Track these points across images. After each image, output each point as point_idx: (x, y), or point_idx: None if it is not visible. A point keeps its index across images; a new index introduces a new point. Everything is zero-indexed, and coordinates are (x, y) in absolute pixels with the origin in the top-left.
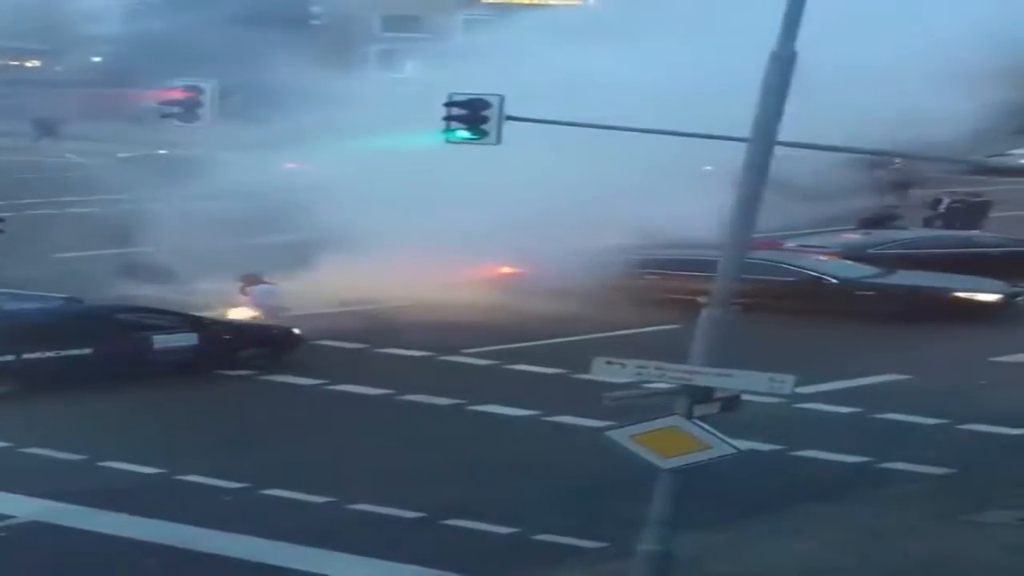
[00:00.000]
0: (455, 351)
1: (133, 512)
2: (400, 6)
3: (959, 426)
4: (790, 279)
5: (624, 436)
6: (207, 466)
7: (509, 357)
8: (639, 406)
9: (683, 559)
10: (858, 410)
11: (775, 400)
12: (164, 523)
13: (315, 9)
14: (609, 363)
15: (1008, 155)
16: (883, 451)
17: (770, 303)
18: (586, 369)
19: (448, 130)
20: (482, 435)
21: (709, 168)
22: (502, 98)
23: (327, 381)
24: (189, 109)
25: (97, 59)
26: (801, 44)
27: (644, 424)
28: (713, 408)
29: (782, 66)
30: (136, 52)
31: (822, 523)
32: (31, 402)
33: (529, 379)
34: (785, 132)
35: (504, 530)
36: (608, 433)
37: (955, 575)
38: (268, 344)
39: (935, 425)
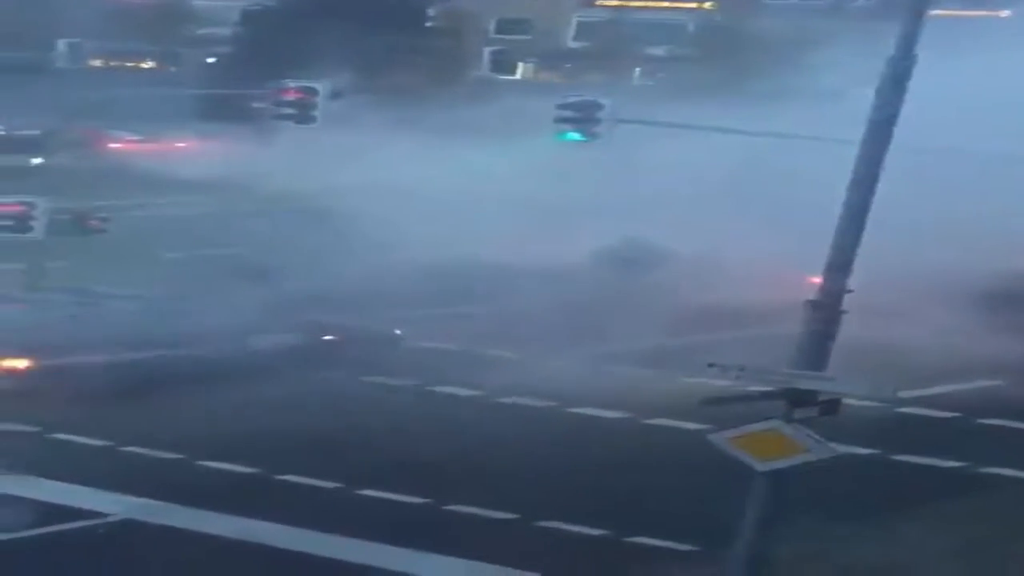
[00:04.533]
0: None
1: (228, 511)
2: (515, 8)
3: None
4: None
5: (723, 439)
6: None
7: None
8: (740, 411)
9: (777, 563)
10: (957, 415)
11: (875, 404)
12: (259, 522)
13: (431, 11)
14: (711, 366)
15: None
16: (982, 456)
17: None
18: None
19: (560, 133)
20: (576, 438)
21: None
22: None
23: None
24: (303, 110)
25: (211, 60)
26: None
27: (744, 427)
28: (813, 412)
29: None
30: (250, 53)
31: (918, 528)
32: (128, 401)
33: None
34: None
35: (595, 532)
36: (709, 436)
37: None
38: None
39: None
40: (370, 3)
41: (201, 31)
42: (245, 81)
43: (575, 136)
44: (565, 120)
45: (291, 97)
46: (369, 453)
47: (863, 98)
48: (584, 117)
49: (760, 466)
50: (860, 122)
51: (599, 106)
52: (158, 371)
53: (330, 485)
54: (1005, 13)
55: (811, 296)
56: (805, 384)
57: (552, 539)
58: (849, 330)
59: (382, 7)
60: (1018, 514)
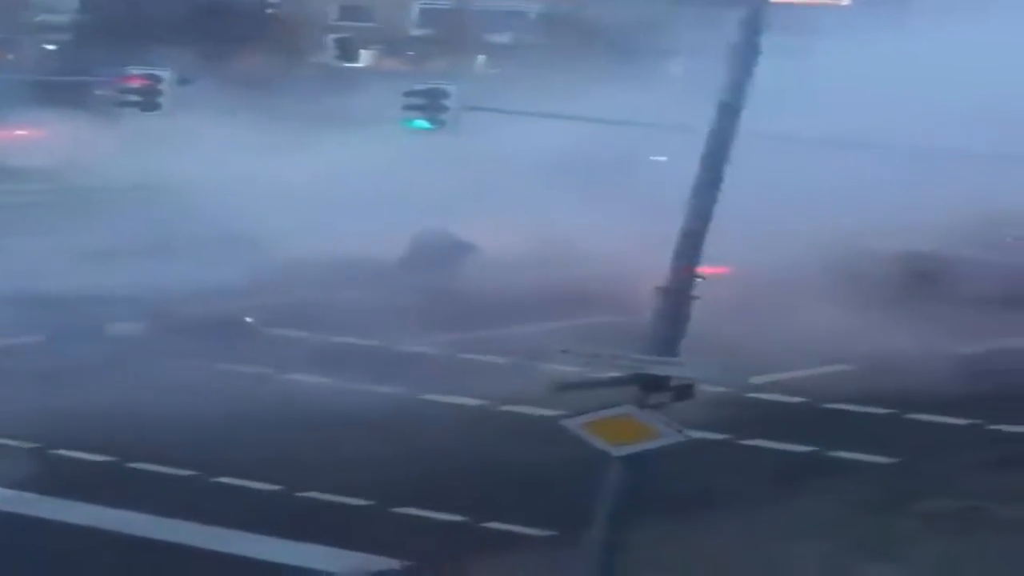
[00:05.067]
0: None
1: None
2: None
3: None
4: None
5: (577, 425)
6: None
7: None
8: (592, 396)
9: (633, 548)
10: (807, 400)
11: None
12: (114, 511)
13: None
14: (563, 352)
15: None
16: (832, 441)
17: None
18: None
19: (406, 120)
20: (432, 424)
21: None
22: (458, 88)
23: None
24: (148, 97)
25: (51, 47)
26: None
27: (597, 412)
28: (666, 397)
29: None
30: (90, 40)
31: (769, 512)
32: None
33: (480, 368)
34: None
35: (452, 518)
36: (562, 421)
37: (901, 563)
38: None
39: (884, 415)
40: None
41: (39, 18)
42: (86, 68)
43: (422, 124)
44: (412, 108)
45: (135, 84)
46: (222, 441)
47: (706, 83)
48: (431, 104)
49: (614, 451)
50: (704, 107)
51: (445, 93)
52: (7, 360)
53: (185, 473)
54: (845, 1)
55: (661, 282)
56: (656, 369)
57: (408, 525)
58: (704, 316)
59: None
60: (867, 495)
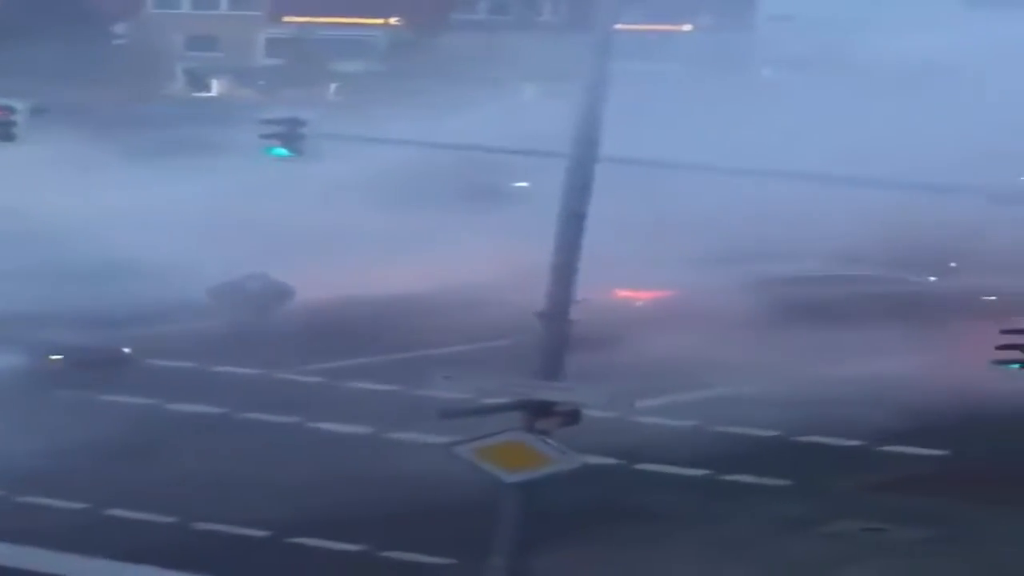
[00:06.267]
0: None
1: None
2: (203, 25)
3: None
4: None
5: (469, 451)
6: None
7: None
8: (482, 422)
9: (532, 574)
10: (697, 423)
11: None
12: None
13: (117, 28)
14: (448, 378)
15: None
16: (723, 464)
17: None
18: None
19: (267, 148)
20: (323, 452)
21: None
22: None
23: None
24: (2, 128)
25: None
26: None
27: (488, 439)
28: (554, 422)
29: None
30: None
31: (669, 538)
32: None
33: (365, 396)
34: None
35: (350, 547)
36: (453, 448)
37: None
38: None
39: (772, 437)
40: (49, 20)
41: None
42: None
43: (281, 152)
44: (270, 136)
45: None
46: (113, 473)
47: (559, 108)
48: (288, 132)
49: (508, 477)
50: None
51: (301, 122)
52: None
53: (77, 506)
54: (687, 27)
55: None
56: (543, 394)
57: (306, 556)
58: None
59: (62, 24)
60: (767, 518)
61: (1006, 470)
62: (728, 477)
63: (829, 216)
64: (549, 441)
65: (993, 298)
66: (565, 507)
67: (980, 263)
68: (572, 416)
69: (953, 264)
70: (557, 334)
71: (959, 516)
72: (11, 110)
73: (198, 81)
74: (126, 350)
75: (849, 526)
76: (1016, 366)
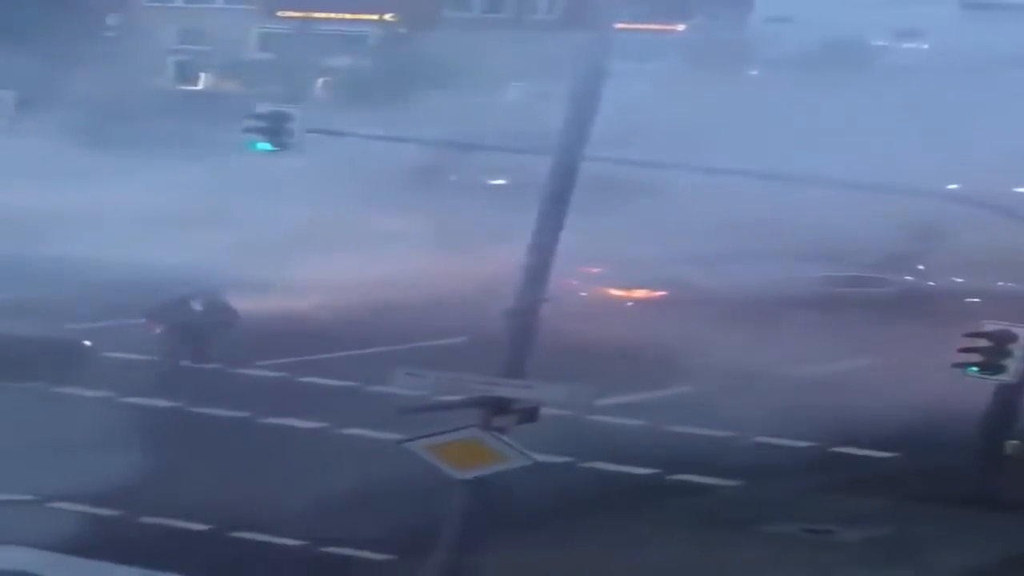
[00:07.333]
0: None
1: None
2: (196, 18)
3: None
4: None
5: (421, 447)
6: None
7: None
8: (439, 418)
9: (475, 570)
10: (650, 423)
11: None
12: None
13: (110, 21)
14: (408, 374)
15: None
16: (674, 463)
17: None
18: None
19: (251, 143)
20: (271, 448)
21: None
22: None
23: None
24: None
25: None
26: None
27: (442, 435)
28: (511, 420)
29: None
30: None
31: (613, 537)
32: None
33: (320, 392)
34: None
35: (292, 542)
36: (406, 444)
37: None
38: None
39: (726, 437)
40: (41, 14)
41: None
42: None
43: (266, 146)
44: (255, 130)
45: None
46: (64, 466)
47: (544, 107)
48: (274, 127)
49: (459, 474)
50: (540, 131)
51: (288, 116)
52: None
53: (25, 498)
54: (681, 27)
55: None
56: (502, 392)
57: (247, 550)
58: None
59: (54, 17)
60: (710, 519)
61: (956, 472)
62: (676, 477)
63: (817, 217)
64: (502, 438)
65: (976, 300)
66: (512, 504)
67: (947, 264)
68: (530, 414)
69: (921, 267)
70: (522, 332)
71: (906, 517)
72: None
73: (187, 74)
74: (87, 342)
75: (795, 528)
76: (974, 370)
